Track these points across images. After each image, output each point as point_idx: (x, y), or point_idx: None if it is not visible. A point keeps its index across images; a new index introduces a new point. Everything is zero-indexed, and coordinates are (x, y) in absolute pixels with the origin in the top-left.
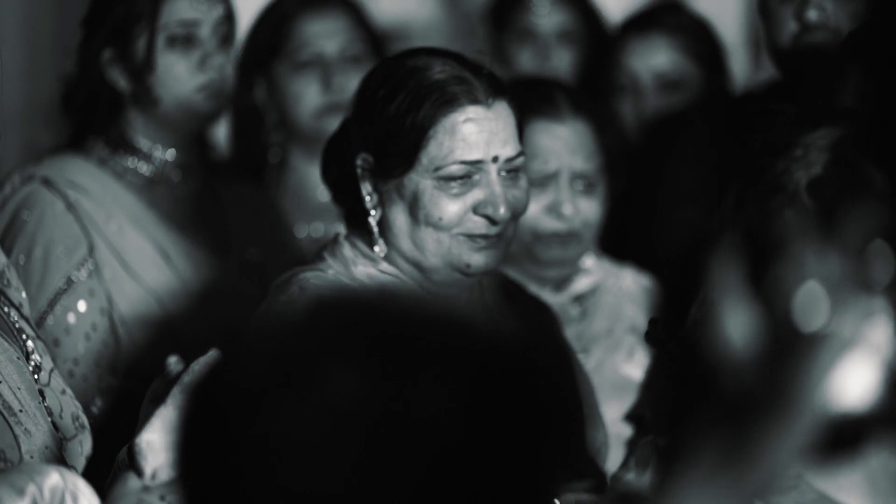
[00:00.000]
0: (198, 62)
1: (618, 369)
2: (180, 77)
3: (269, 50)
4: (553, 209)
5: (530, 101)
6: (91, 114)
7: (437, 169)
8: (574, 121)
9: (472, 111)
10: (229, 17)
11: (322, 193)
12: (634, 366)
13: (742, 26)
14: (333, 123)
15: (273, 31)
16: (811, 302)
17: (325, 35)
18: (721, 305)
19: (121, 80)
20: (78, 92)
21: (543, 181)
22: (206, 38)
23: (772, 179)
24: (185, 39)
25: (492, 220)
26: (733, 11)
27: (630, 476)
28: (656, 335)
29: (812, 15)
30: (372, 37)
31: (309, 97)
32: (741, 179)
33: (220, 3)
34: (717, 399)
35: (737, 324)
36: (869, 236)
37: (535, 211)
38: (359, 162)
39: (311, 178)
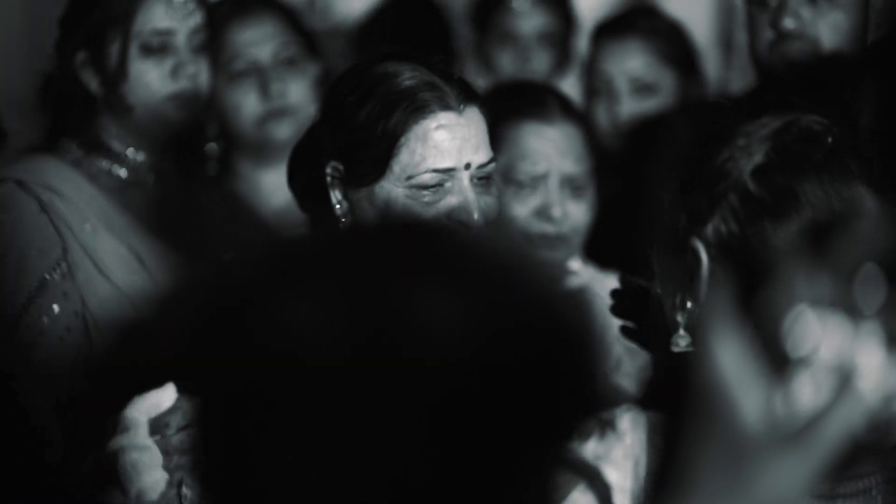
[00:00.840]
0: (170, 71)
1: (606, 379)
2: (151, 85)
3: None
4: (542, 212)
5: (520, 103)
6: (64, 115)
7: (409, 177)
8: (564, 124)
9: (444, 117)
10: (207, 26)
11: (276, 200)
12: (622, 376)
13: (713, 27)
14: (276, 130)
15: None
16: (801, 326)
17: (256, 42)
18: (712, 331)
19: (94, 83)
20: (52, 91)
21: (533, 183)
22: (180, 47)
23: (717, 165)
24: (158, 47)
25: (465, 227)
26: (704, 12)
27: (574, 445)
28: (621, 307)
29: (788, 23)
30: (306, 36)
31: (248, 107)
32: (686, 165)
33: (196, 11)
34: (713, 429)
35: (727, 350)
36: (860, 260)
37: (525, 213)
38: (328, 170)
39: (260, 186)
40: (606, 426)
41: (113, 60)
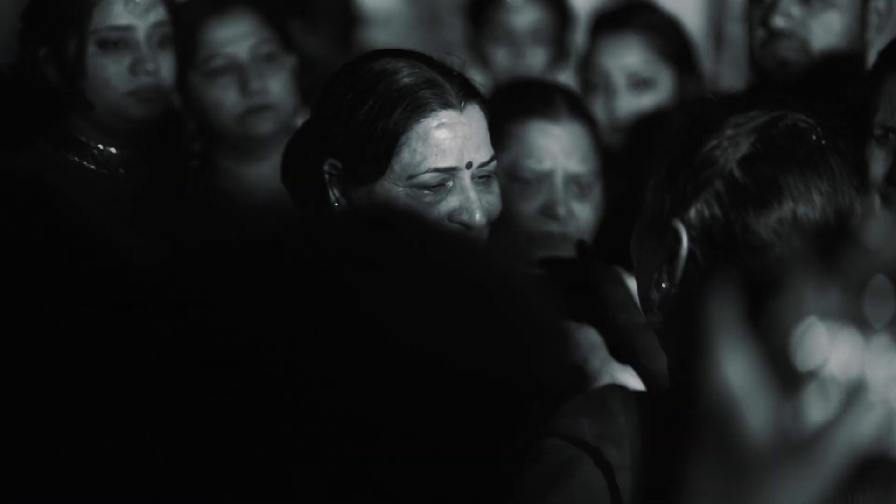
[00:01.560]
0: (129, 67)
1: (613, 378)
2: (110, 81)
3: (180, 61)
4: (547, 210)
5: (527, 101)
6: (31, 110)
7: (410, 177)
8: (570, 122)
9: (445, 116)
10: (169, 20)
11: (259, 195)
12: (629, 375)
13: (703, 20)
14: (258, 124)
15: (181, 42)
16: (810, 339)
17: (233, 40)
18: (718, 344)
19: (56, 79)
20: (18, 86)
21: (538, 180)
22: (140, 43)
23: (704, 153)
24: (117, 43)
25: (467, 227)
26: (694, 5)
27: (572, 424)
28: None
29: (778, 21)
30: (281, 30)
31: (228, 104)
32: (674, 151)
33: (157, 6)
34: (718, 442)
35: (734, 362)
36: (870, 272)
37: (529, 212)
38: (326, 168)
39: (244, 180)
40: (597, 405)
41: (71, 57)
